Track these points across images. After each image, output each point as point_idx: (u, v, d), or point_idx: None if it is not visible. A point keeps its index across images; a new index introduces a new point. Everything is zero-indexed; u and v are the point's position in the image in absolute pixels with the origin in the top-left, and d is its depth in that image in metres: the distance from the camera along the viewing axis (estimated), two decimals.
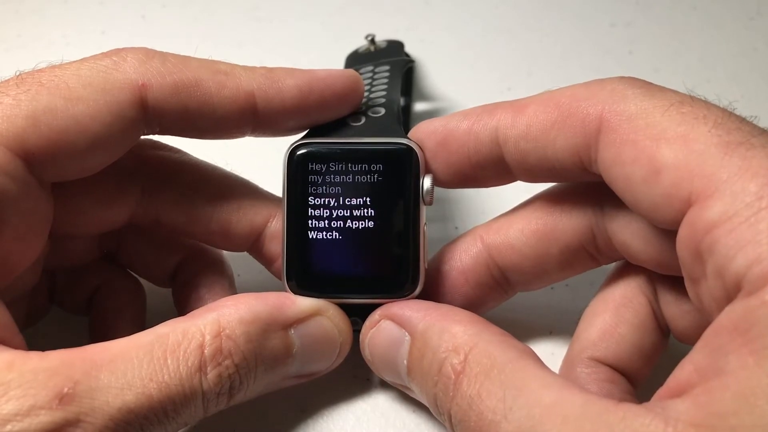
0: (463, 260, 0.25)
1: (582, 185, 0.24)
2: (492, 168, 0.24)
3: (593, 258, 0.24)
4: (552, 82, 0.37)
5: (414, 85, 0.38)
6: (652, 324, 0.24)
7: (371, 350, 0.23)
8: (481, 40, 0.40)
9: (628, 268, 0.24)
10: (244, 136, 0.24)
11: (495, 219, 0.25)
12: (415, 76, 0.38)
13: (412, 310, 0.22)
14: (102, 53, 0.22)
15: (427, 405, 0.22)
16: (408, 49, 0.37)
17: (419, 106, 0.37)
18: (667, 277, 0.23)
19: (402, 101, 0.36)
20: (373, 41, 0.34)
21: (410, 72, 0.37)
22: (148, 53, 0.22)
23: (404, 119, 0.35)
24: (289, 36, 0.40)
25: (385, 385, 0.26)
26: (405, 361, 0.22)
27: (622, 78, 0.21)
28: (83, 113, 0.21)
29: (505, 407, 0.18)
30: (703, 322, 0.18)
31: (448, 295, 0.25)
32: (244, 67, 0.23)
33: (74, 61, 0.22)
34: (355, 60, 0.34)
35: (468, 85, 0.38)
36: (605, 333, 0.23)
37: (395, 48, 0.35)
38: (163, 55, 0.22)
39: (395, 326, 0.23)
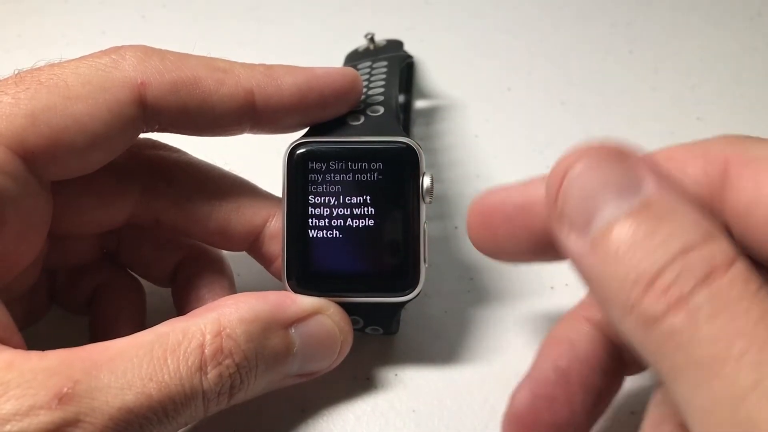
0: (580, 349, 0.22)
1: None
2: None
3: None
4: (552, 82, 0.38)
5: (414, 84, 0.38)
6: None
7: None
8: (481, 40, 0.40)
9: None
10: (242, 133, 0.24)
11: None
12: (415, 75, 0.38)
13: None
14: (101, 51, 0.22)
15: None
16: (408, 48, 0.37)
17: (419, 104, 0.37)
18: None
19: (402, 98, 0.36)
20: (372, 40, 0.34)
21: (411, 69, 0.37)
22: (147, 51, 0.22)
23: (405, 117, 0.35)
24: (289, 36, 0.40)
25: (385, 385, 0.26)
26: None
27: (723, 135, 0.20)
28: (82, 112, 0.21)
29: None
30: None
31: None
32: (243, 65, 0.23)
33: (73, 60, 0.22)
34: (354, 58, 0.34)
35: (468, 85, 0.38)
36: None
37: (395, 46, 0.35)
38: (162, 53, 0.22)
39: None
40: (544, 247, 0.21)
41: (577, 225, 0.18)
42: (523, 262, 0.22)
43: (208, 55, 0.23)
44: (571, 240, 0.18)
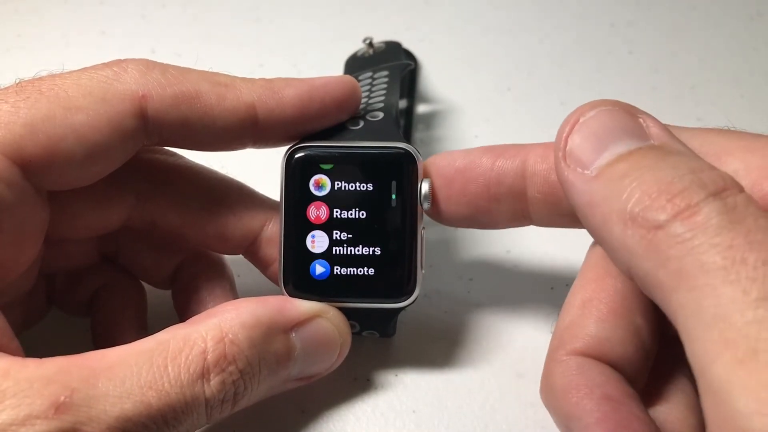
0: None
1: None
2: (509, 203, 0.23)
3: None
4: (552, 82, 0.38)
5: (416, 87, 0.37)
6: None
7: None
8: (481, 40, 0.40)
9: None
10: (244, 148, 0.24)
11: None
12: (417, 78, 0.38)
13: None
14: (103, 63, 0.22)
15: None
16: (407, 49, 0.37)
17: (420, 108, 0.37)
18: None
19: (404, 103, 0.35)
20: (371, 44, 0.34)
21: (413, 73, 0.37)
22: (149, 64, 0.22)
23: (407, 120, 0.35)
24: (289, 36, 0.40)
25: (385, 386, 0.26)
26: None
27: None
28: (82, 123, 0.21)
29: None
30: None
31: None
32: (244, 79, 0.23)
33: (75, 71, 0.22)
34: (353, 64, 0.34)
35: (468, 86, 0.38)
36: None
37: (394, 49, 0.35)
38: (164, 67, 0.22)
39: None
40: (477, 211, 0.23)
41: (584, 161, 0.18)
42: (460, 225, 0.25)
43: (209, 56, 0.23)
44: (575, 173, 0.18)
